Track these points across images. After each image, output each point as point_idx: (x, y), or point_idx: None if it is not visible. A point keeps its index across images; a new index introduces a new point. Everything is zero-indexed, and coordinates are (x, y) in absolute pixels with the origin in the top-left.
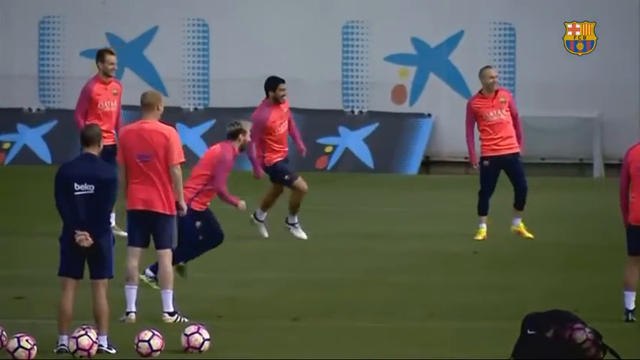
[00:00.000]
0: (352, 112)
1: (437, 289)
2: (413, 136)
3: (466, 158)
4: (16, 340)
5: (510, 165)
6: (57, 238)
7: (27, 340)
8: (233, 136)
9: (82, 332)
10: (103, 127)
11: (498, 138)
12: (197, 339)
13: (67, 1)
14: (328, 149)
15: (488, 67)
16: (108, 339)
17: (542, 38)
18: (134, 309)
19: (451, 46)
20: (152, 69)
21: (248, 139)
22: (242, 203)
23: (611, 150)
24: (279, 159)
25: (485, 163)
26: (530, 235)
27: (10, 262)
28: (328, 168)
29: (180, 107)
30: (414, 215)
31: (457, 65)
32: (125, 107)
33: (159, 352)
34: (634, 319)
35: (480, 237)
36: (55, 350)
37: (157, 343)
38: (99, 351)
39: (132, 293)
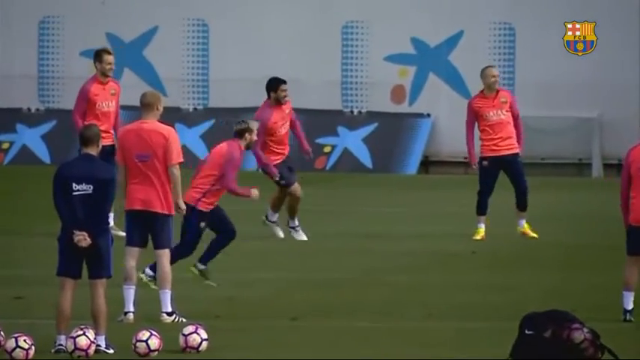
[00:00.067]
0: (351, 112)
1: (436, 289)
2: (412, 136)
3: (465, 158)
4: (14, 340)
5: (510, 165)
6: (55, 238)
7: (25, 340)
8: (240, 134)
9: (80, 332)
10: (102, 128)
11: (498, 138)
12: (195, 339)
13: (66, 1)
14: (327, 149)
15: (489, 66)
16: (106, 339)
17: (542, 38)
18: (132, 309)
19: (451, 46)
20: (151, 69)
21: (254, 138)
22: (254, 192)
23: (610, 150)
24: (278, 161)
25: (485, 163)
26: (534, 235)
27: (9, 262)
28: (327, 168)
29: (180, 107)
30: (413, 215)
31: (457, 65)
32: (124, 107)
33: (157, 352)
34: (632, 319)
35: (478, 237)
36: (52, 350)
37: (154, 343)
38: (97, 351)
39: (130, 293)
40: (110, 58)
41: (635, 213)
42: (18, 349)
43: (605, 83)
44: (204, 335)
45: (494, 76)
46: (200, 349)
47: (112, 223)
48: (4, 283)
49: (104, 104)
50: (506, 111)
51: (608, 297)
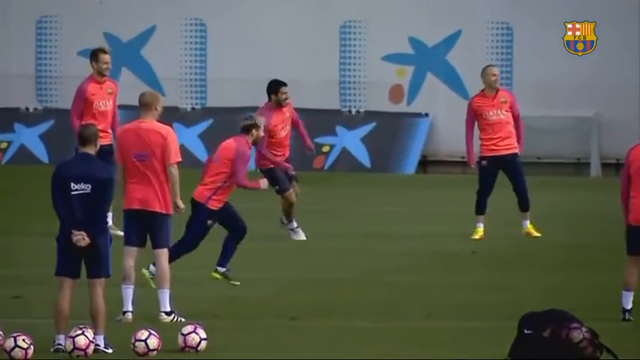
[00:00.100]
0: (349, 111)
1: (435, 288)
2: (410, 135)
3: (463, 157)
4: (12, 339)
5: (509, 165)
6: (54, 238)
7: (24, 340)
8: (246, 130)
9: (79, 332)
10: (99, 127)
11: (497, 138)
12: (194, 338)
13: (64, 1)
14: (325, 149)
15: (490, 65)
16: (105, 338)
17: (540, 38)
18: (131, 308)
19: (449, 46)
20: (149, 69)
21: (261, 133)
22: (263, 182)
23: (608, 149)
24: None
25: (484, 163)
26: (537, 235)
27: (8, 262)
28: (325, 167)
29: (178, 107)
30: (412, 215)
31: (454, 65)
32: (122, 107)
33: (155, 352)
34: (631, 318)
35: (476, 236)
36: (51, 350)
37: (153, 342)
38: (96, 350)
39: (128, 293)
40: (106, 58)
41: (635, 213)
42: (17, 349)
43: (603, 83)
44: (203, 335)
45: (494, 75)
46: (199, 348)
47: (110, 222)
48: (2, 282)
49: (101, 103)
50: (506, 111)
51: (606, 296)
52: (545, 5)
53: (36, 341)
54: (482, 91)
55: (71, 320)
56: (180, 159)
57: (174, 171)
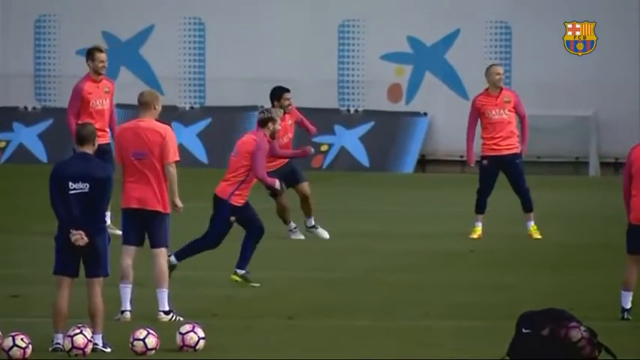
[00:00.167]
0: (348, 110)
1: (434, 288)
2: (409, 134)
3: (462, 157)
4: (11, 338)
5: (509, 165)
6: (52, 237)
7: (22, 339)
8: (263, 123)
9: (77, 331)
10: (96, 126)
11: (498, 137)
12: (192, 337)
13: (62, 0)
14: (324, 148)
15: (494, 64)
16: (103, 337)
17: (539, 37)
18: (129, 307)
19: (447, 45)
20: (148, 68)
21: (278, 127)
22: (277, 182)
23: (606, 148)
24: (277, 167)
25: (484, 162)
26: (538, 237)
27: (6, 261)
28: (324, 167)
29: (177, 106)
30: (410, 214)
31: (453, 64)
32: (121, 106)
33: (154, 351)
34: (630, 317)
35: (475, 235)
36: (50, 349)
37: (152, 341)
38: (94, 350)
39: (127, 292)
40: (102, 56)
41: (635, 212)
42: (15, 348)
43: (602, 82)
44: (202, 334)
45: (498, 74)
46: (197, 347)
47: (109, 221)
48: (1, 281)
49: (98, 102)
50: (509, 111)
51: (605, 296)
52: (544, 5)
53: (34, 340)
54: (487, 90)
55: (69, 319)
56: (178, 158)
57: (173, 170)
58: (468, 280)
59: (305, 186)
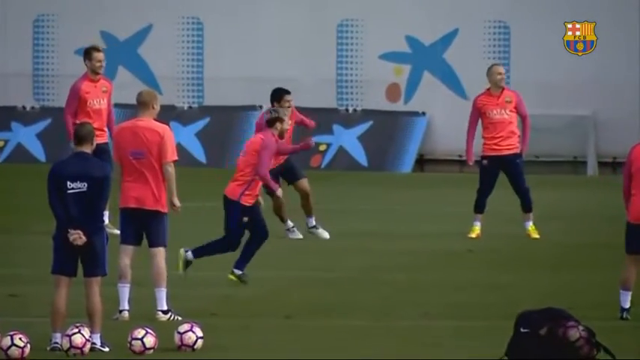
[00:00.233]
0: (346, 110)
1: (432, 287)
2: (407, 134)
3: (460, 156)
4: (9, 338)
5: (509, 165)
6: (51, 237)
7: (20, 338)
8: (271, 123)
9: (76, 330)
10: (94, 125)
11: (499, 137)
12: (190, 337)
13: (61, 0)
14: (322, 147)
15: (496, 64)
16: (101, 337)
17: (537, 37)
18: (127, 307)
19: (446, 45)
20: (146, 67)
21: (286, 127)
22: (280, 191)
23: (605, 148)
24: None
25: (485, 162)
26: (536, 236)
27: (4, 261)
28: (322, 166)
29: (175, 105)
30: (409, 213)
31: (451, 63)
32: (120, 106)
33: (152, 350)
34: (629, 317)
35: (473, 235)
36: (48, 348)
37: (150, 341)
38: (92, 349)
39: (125, 291)
40: (100, 56)
41: (634, 211)
42: (13, 347)
43: (600, 81)
44: (200, 333)
45: (500, 74)
46: (195, 347)
47: (106, 221)
48: None
49: (95, 102)
50: (510, 111)
51: (603, 295)
52: (542, 4)
53: (32, 340)
54: (488, 89)
55: (68, 319)
56: (176, 157)
57: (171, 169)
58: (466, 279)
59: (304, 182)
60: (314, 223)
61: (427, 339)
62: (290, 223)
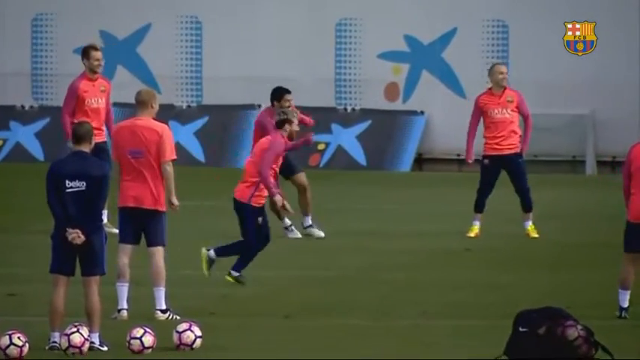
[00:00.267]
0: (345, 109)
1: (431, 287)
2: (406, 133)
3: (459, 155)
4: (7, 337)
5: (511, 164)
6: (49, 236)
7: (19, 338)
8: (280, 125)
9: (74, 329)
10: (92, 125)
11: (500, 137)
12: (189, 336)
13: None
14: (321, 146)
15: (498, 63)
16: (100, 336)
17: (536, 36)
18: (126, 306)
19: (444, 44)
20: (145, 66)
21: (295, 128)
22: (278, 198)
23: (603, 147)
24: None
25: (486, 162)
26: (535, 236)
27: (3, 260)
28: (321, 165)
29: (174, 104)
30: (407, 213)
31: (450, 62)
32: (118, 105)
33: (150, 350)
34: (627, 316)
35: (472, 234)
36: (46, 347)
37: (148, 340)
38: (91, 348)
39: (123, 290)
40: (98, 55)
41: (633, 211)
42: (12, 347)
43: (599, 81)
44: (199, 333)
45: (501, 73)
46: (194, 346)
47: (105, 220)
48: None
49: (93, 101)
50: (512, 110)
51: (602, 294)
52: (541, 3)
53: (31, 339)
54: (490, 89)
55: (66, 318)
56: (175, 156)
57: (170, 168)
58: (465, 278)
59: (302, 177)
60: (310, 222)
61: (426, 338)
62: (287, 221)
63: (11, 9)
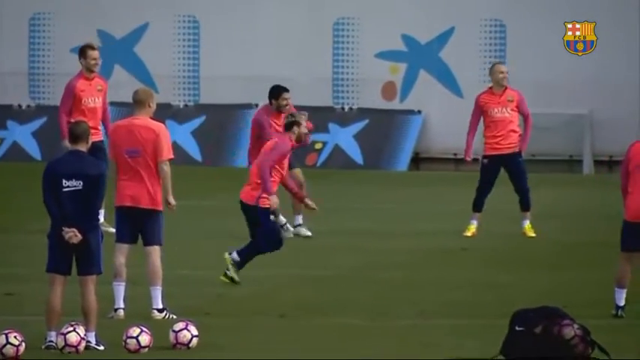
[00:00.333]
0: (342, 108)
1: (428, 286)
2: (403, 132)
3: (455, 155)
4: (4, 336)
5: (512, 164)
6: (46, 235)
7: (15, 337)
8: (288, 127)
9: (71, 328)
10: (89, 124)
11: (500, 136)
12: (185, 335)
13: None
14: (318, 146)
15: (498, 62)
16: (96, 335)
17: (533, 35)
18: (122, 305)
19: (442, 43)
20: (142, 66)
21: (304, 130)
22: (274, 198)
23: (600, 147)
24: None
25: (485, 161)
26: (532, 235)
27: (0, 259)
28: (318, 164)
29: (171, 104)
30: (404, 212)
31: (447, 62)
32: (116, 104)
33: (147, 349)
34: (623, 315)
35: (469, 233)
36: (43, 346)
37: (145, 339)
38: (87, 347)
39: (120, 290)
40: (95, 54)
41: (630, 209)
42: (8, 346)
43: (597, 80)
44: (195, 332)
45: (502, 73)
46: (190, 345)
47: (102, 219)
48: None
49: (90, 100)
50: (512, 110)
51: (599, 294)
52: (538, 2)
53: (27, 338)
54: (490, 88)
55: (63, 317)
56: (172, 156)
57: (166, 168)
58: (462, 278)
59: (297, 172)
60: (300, 221)
61: (423, 337)
62: (282, 219)
63: (9, 8)
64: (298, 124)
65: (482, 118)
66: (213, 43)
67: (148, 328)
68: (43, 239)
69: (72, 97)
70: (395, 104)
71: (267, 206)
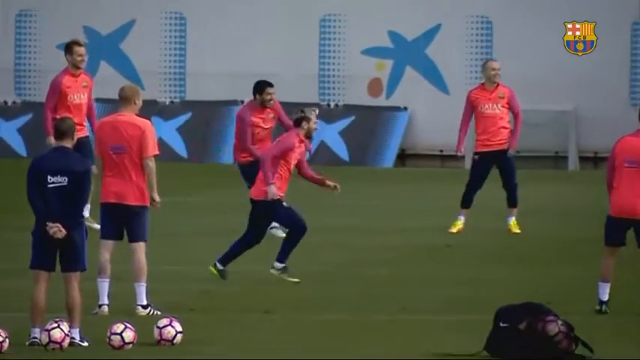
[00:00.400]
0: (328, 105)
1: (412, 282)
2: (389, 129)
3: (441, 151)
4: None
5: (502, 160)
6: (30, 232)
7: None
8: (298, 123)
9: (55, 325)
10: (75, 120)
11: (490, 132)
12: (169, 332)
13: None
14: None
15: (491, 59)
16: (80, 332)
17: (520, 32)
18: (107, 302)
19: (428, 40)
20: (129, 62)
21: (313, 126)
22: (272, 188)
23: (586, 143)
24: (250, 159)
25: (475, 157)
26: (517, 231)
27: None
28: None
29: (157, 100)
30: (390, 208)
31: (434, 59)
32: (101, 100)
33: (131, 345)
34: (607, 310)
35: (454, 229)
36: (27, 343)
37: (129, 335)
38: (71, 344)
39: (104, 286)
40: (81, 50)
41: (615, 204)
42: None
43: (582, 77)
44: (179, 328)
45: (494, 69)
46: (175, 341)
47: (87, 215)
48: None
49: (76, 96)
50: (502, 106)
51: (583, 289)
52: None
53: (11, 334)
54: (482, 84)
55: (47, 313)
56: (157, 152)
57: (152, 164)
58: (448, 274)
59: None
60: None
61: (408, 333)
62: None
63: None
64: (308, 119)
65: (473, 115)
66: (199, 40)
67: (132, 325)
68: (27, 236)
69: (57, 93)
70: (381, 101)
71: (278, 197)
